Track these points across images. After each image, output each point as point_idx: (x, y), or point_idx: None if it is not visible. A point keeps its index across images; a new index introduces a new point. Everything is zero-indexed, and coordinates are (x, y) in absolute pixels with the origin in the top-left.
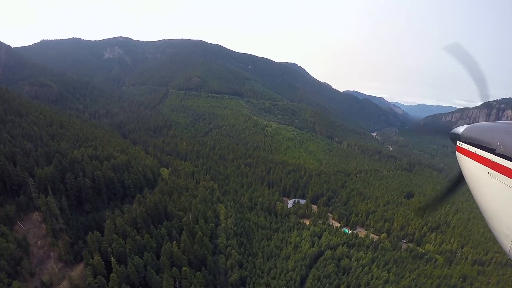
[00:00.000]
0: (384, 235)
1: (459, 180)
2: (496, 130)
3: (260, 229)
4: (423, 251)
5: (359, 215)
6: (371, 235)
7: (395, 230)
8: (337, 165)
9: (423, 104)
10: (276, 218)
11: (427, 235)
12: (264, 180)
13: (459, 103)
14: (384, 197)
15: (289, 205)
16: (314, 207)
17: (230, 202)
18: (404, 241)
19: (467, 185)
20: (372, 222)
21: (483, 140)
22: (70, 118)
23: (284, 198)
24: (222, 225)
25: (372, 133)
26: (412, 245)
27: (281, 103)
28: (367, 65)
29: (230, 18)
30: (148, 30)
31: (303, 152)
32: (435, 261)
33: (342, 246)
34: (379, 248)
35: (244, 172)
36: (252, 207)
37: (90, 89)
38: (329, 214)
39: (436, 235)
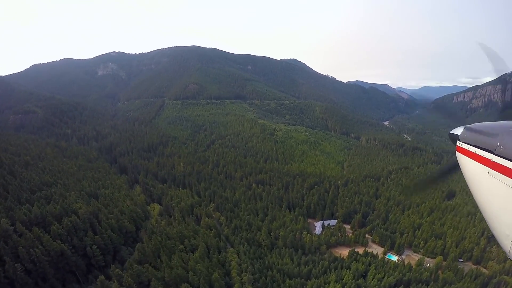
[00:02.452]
0: (439, 258)
1: (453, 167)
2: (496, 130)
3: (287, 279)
4: (488, 273)
5: (405, 234)
6: (425, 259)
7: (451, 249)
8: (361, 166)
9: (427, 86)
10: (305, 256)
11: (487, 249)
12: (282, 200)
13: (464, 81)
14: (425, 203)
15: (317, 231)
16: (348, 227)
17: (244, 245)
18: (461, 260)
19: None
20: (422, 242)
21: (483, 140)
22: (44, 150)
23: (310, 221)
24: (236, 286)
25: (384, 122)
26: (472, 265)
27: (287, 101)
28: (367, 53)
29: (225, 20)
30: (144, 38)
31: (320, 156)
32: (506, 286)
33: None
34: (440, 280)
35: (257, 194)
36: (272, 243)
37: (80, 110)
38: (367, 236)
39: (498, 248)
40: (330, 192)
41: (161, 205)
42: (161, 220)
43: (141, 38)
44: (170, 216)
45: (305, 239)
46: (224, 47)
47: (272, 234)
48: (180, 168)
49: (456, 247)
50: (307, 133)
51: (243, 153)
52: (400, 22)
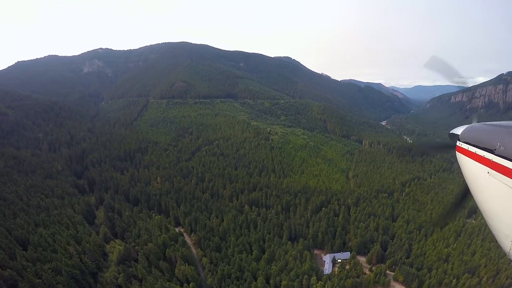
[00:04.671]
0: None
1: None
2: (496, 130)
3: None
4: None
5: (433, 270)
6: None
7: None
8: (368, 176)
9: (420, 85)
10: None
11: None
12: (282, 228)
13: (457, 81)
14: (450, 226)
15: (326, 269)
16: (363, 260)
17: None
18: None
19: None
20: (454, 280)
21: (483, 140)
22: None
23: (316, 252)
24: None
25: (381, 123)
26: None
27: (282, 101)
28: (360, 52)
29: (220, 19)
30: (138, 38)
31: (322, 164)
32: None
33: None
34: None
35: (251, 220)
36: None
37: (56, 111)
38: (388, 273)
39: None
40: (341, 216)
41: (126, 240)
42: (119, 275)
43: (135, 37)
44: (132, 265)
45: (314, 286)
46: (218, 46)
47: (271, 282)
48: (156, 184)
49: (493, 282)
50: (306, 136)
51: (234, 163)
52: (394, 21)
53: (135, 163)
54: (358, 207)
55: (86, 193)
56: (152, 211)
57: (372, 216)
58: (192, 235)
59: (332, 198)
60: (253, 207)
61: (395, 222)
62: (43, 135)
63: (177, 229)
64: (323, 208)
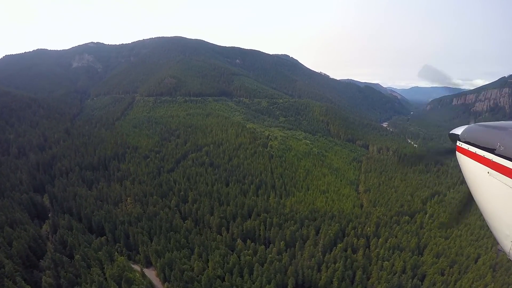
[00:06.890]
0: None
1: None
2: (496, 130)
3: None
4: None
5: None
6: None
7: None
8: (381, 191)
9: (417, 86)
10: None
11: None
12: (286, 273)
13: (454, 83)
14: (483, 257)
15: None
16: None
17: None
18: None
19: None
20: None
21: (483, 140)
22: None
23: None
24: None
25: (382, 124)
26: None
27: (280, 100)
28: (358, 51)
29: (217, 18)
30: (134, 36)
31: (328, 174)
32: None
33: None
34: None
35: (245, 263)
36: None
37: (34, 108)
38: None
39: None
40: (360, 253)
41: None
42: None
43: (130, 33)
44: None
45: None
46: (214, 42)
47: None
48: (125, 208)
49: None
50: (308, 141)
51: (225, 177)
52: (393, 21)
53: (109, 174)
54: (380, 238)
55: (47, 214)
56: (117, 244)
57: (397, 251)
58: (165, 286)
59: (348, 226)
60: (248, 241)
61: (423, 255)
62: (14, 136)
63: (147, 272)
64: (339, 244)
